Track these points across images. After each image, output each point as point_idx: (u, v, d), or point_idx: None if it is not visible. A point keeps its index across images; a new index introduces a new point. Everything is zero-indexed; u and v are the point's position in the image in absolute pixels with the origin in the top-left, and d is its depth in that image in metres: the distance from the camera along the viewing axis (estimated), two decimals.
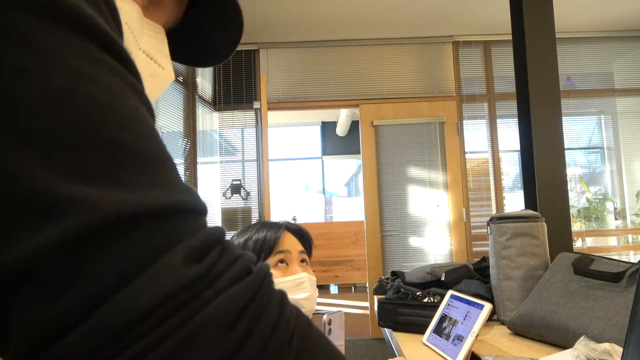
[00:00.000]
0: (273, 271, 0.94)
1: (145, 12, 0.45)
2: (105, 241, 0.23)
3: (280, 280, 0.93)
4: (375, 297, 1.47)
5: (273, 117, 5.64)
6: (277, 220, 1.03)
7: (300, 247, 1.00)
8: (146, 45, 0.45)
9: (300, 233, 1.02)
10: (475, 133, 4.08)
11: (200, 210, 0.28)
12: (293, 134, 7.51)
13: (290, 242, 0.98)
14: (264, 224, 1.01)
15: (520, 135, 1.97)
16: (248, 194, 3.95)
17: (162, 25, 0.47)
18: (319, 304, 5.08)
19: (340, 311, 1.01)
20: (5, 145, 0.22)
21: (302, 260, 1.00)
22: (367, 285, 4.12)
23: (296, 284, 0.95)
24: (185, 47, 0.54)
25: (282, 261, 0.96)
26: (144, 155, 0.26)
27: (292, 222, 1.05)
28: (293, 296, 0.93)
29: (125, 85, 0.27)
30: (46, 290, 0.22)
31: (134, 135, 0.26)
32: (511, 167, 4.25)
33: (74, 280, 0.22)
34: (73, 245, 0.22)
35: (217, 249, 0.27)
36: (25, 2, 0.24)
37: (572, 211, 4.23)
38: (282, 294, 0.29)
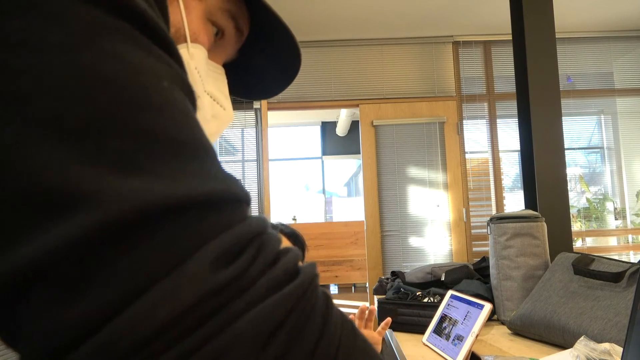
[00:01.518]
0: None
1: (209, 54, 0.45)
2: (127, 238, 0.20)
3: None
4: (375, 297, 1.47)
5: (273, 117, 5.64)
6: (271, 222, 1.03)
7: None
8: (210, 87, 0.45)
9: (295, 237, 1.02)
10: (475, 133, 4.08)
11: (240, 198, 0.25)
12: (293, 134, 7.51)
13: None
14: None
15: (520, 135, 1.97)
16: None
17: (221, 64, 0.47)
18: None
19: None
20: (17, 130, 0.20)
21: None
22: (367, 285, 4.12)
23: None
24: (235, 80, 0.52)
25: None
26: (175, 141, 0.23)
27: (286, 224, 1.05)
28: None
29: (161, 65, 0.24)
30: (55, 297, 0.20)
31: (165, 119, 0.23)
32: (511, 167, 4.25)
33: (86, 286, 0.20)
34: (90, 243, 0.20)
35: (254, 247, 0.24)
36: None
37: (572, 211, 4.23)
38: (326, 297, 0.26)
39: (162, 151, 0.22)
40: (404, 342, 1.13)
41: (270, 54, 0.51)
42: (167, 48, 0.26)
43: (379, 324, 1.26)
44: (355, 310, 1.10)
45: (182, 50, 0.40)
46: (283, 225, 1.03)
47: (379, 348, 1.07)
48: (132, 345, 0.19)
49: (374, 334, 1.08)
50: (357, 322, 1.08)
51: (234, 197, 0.24)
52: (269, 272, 0.23)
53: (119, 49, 0.23)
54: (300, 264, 0.26)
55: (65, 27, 0.21)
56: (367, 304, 1.08)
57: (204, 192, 0.22)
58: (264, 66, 0.52)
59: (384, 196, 3.94)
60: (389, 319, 1.15)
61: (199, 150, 0.24)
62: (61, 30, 0.21)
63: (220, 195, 0.23)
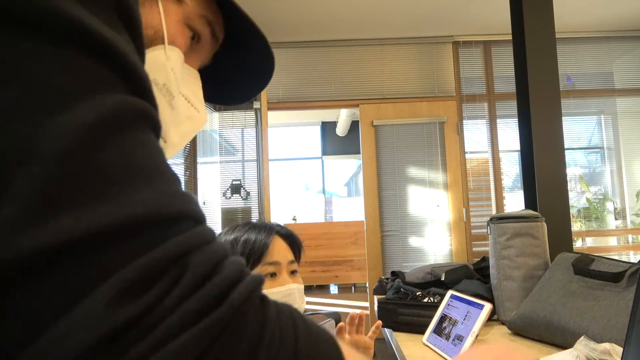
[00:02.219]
0: None
1: (185, 58, 0.46)
2: (21, 282, 0.18)
3: (269, 292, 0.93)
4: (375, 297, 1.47)
5: (273, 117, 5.63)
6: (267, 223, 1.01)
7: (290, 256, 0.98)
8: (185, 89, 0.46)
9: (291, 238, 1.00)
10: (475, 133, 4.08)
11: (174, 215, 0.22)
12: (293, 134, 7.50)
13: (280, 251, 0.96)
14: (253, 226, 0.98)
15: (520, 135, 1.97)
16: (248, 194, 3.94)
17: (196, 69, 0.49)
18: (319, 304, 5.09)
19: (330, 320, 1.02)
20: None
21: (292, 272, 0.98)
22: (367, 285, 4.12)
23: (284, 295, 0.93)
24: (209, 85, 0.54)
25: (272, 274, 0.94)
26: (108, 170, 0.20)
27: (283, 225, 1.03)
28: None
29: None
30: None
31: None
32: (511, 167, 4.25)
33: None
34: None
35: (174, 271, 0.20)
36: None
37: (572, 211, 4.23)
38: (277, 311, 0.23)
39: (91, 182, 0.20)
40: (404, 342, 1.13)
41: (243, 60, 0.52)
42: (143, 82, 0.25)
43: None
44: (356, 311, 1.10)
45: (159, 51, 0.41)
46: (279, 226, 1.01)
47: (370, 352, 1.08)
48: None
49: (365, 339, 1.08)
50: (347, 329, 1.07)
51: (163, 217, 0.21)
52: (187, 301, 0.20)
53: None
54: (242, 273, 0.23)
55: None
56: (357, 311, 1.08)
57: (116, 220, 0.20)
58: (237, 71, 0.54)
59: (384, 196, 3.94)
60: (379, 322, 1.16)
61: (136, 175, 0.21)
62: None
63: (140, 219, 0.20)
